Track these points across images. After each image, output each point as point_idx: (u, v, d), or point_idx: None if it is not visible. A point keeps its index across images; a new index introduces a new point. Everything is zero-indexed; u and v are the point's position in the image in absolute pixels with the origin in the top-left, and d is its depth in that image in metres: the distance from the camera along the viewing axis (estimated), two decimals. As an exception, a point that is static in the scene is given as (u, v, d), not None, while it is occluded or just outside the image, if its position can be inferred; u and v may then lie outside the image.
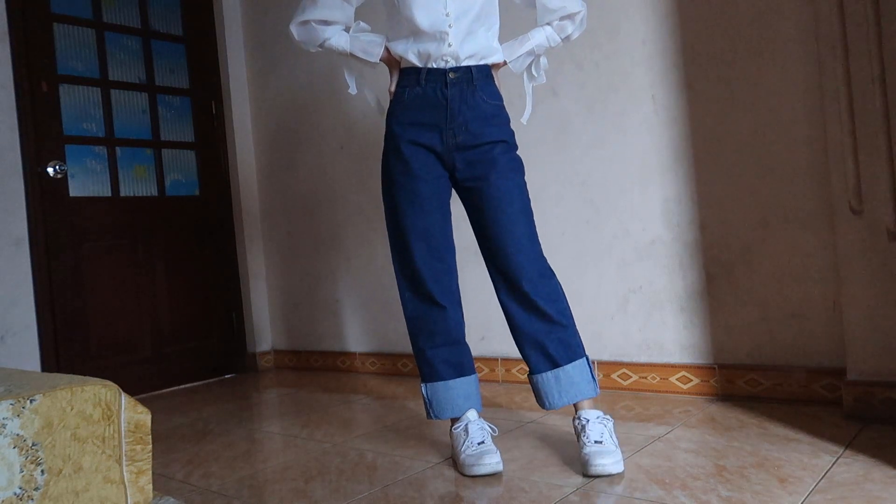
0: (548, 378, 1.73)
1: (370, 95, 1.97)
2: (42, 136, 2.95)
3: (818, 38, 1.85)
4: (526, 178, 1.79)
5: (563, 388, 1.72)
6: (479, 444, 1.71)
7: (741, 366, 2.14)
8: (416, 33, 1.74)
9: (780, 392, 2.06)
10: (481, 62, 1.76)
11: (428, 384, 1.83)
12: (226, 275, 3.60)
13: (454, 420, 1.82)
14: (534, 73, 1.90)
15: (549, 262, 1.77)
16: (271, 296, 3.69)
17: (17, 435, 1.03)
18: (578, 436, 1.68)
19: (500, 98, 1.80)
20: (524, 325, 1.74)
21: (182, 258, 3.41)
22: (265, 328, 3.69)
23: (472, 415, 1.80)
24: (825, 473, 1.46)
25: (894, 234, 1.72)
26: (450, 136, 1.74)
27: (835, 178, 1.82)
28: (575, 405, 1.73)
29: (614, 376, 2.40)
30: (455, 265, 1.84)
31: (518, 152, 1.80)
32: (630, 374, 2.37)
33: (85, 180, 3.10)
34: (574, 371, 1.72)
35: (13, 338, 2.78)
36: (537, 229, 1.78)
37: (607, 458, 1.58)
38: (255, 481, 1.80)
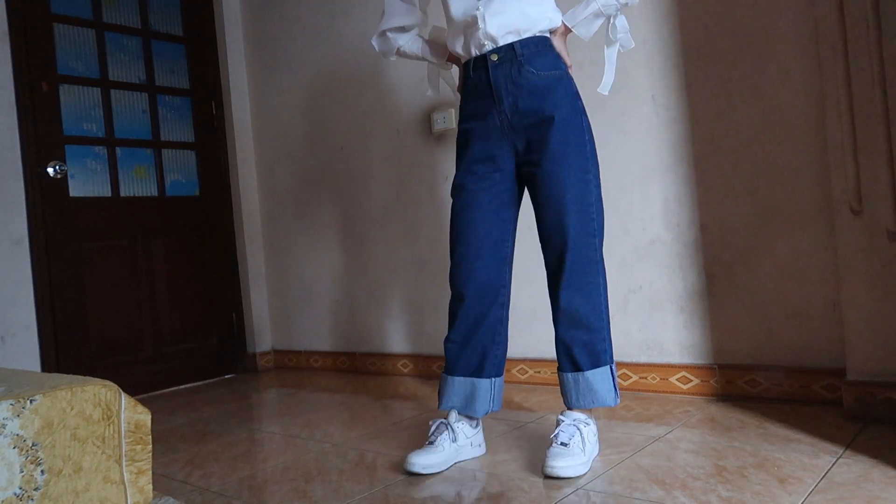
0: (568, 379, 1.73)
1: (456, 99, 1.95)
2: (42, 137, 2.94)
3: (818, 39, 1.85)
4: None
5: (582, 392, 1.71)
6: (428, 443, 1.74)
7: (741, 366, 2.14)
8: (454, 25, 1.77)
9: (780, 392, 2.06)
10: (526, 35, 1.69)
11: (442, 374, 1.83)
12: (226, 275, 3.60)
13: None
14: (611, 36, 1.76)
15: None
16: (271, 296, 3.69)
17: (17, 435, 1.03)
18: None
19: (558, 67, 1.70)
20: (555, 322, 1.74)
21: (182, 258, 3.41)
22: (265, 328, 3.69)
23: (452, 414, 1.80)
24: (825, 474, 1.46)
25: (894, 235, 1.72)
26: (504, 121, 1.71)
27: (835, 178, 1.82)
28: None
29: (614, 376, 2.40)
30: (500, 263, 1.80)
31: (588, 124, 1.71)
32: (630, 374, 2.37)
33: (85, 180, 3.10)
34: (594, 378, 1.70)
35: (13, 338, 2.78)
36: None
37: (562, 460, 1.57)
38: (255, 481, 1.80)
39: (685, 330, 2.26)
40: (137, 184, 3.29)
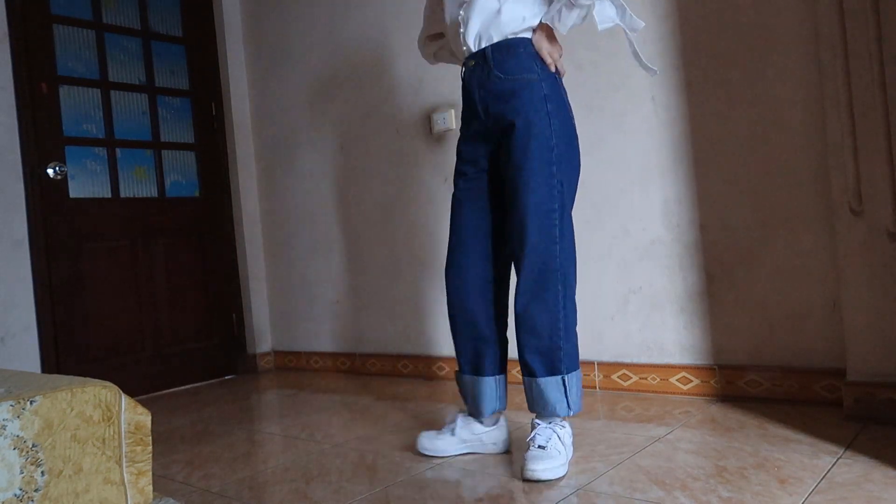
0: (525, 383, 1.74)
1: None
2: (42, 138, 2.95)
3: (818, 39, 1.85)
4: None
5: (535, 398, 1.71)
6: (438, 430, 1.86)
7: (741, 366, 2.14)
8: (447, 30, 1.84)
9: (781, 393, 2.06)
10: (498, 39, 1.68)
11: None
12: (226, 276, 3.60)
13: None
14: (599, 27, 1.66)
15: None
16: (271, 297, 3.69)
17: (18, 436, 1.03)
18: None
19: (530, 70, 1.66)
20: (515, 327, 1.73)
21: (182, 259, 3.41)
22: (265, 329, 3.69)
23: (461, 415, 1.87)
24: (825, 474, 1.46)
25: (894, 235, 1.72)
26: (482, 125, 1.75)
27: (834, 178, 1.82)
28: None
29: (614, 377, 2.39)
30: (485, 261, 1.79)
31: (559, 126, 1.66)
32: (630, 374, 2.37)
33: (85, 181, 3.10)
34: (547, 386, 1.67)
35: (13, 339, 2.78)
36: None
37: (541, 463, 1.57)
38: (255, 482, 1.80)
39: (685, 330, 2.26)
40: (137, 185, 3.29)
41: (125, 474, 1.15)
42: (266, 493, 1.71)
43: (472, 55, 1.72)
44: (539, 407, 1.71)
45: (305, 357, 3.52)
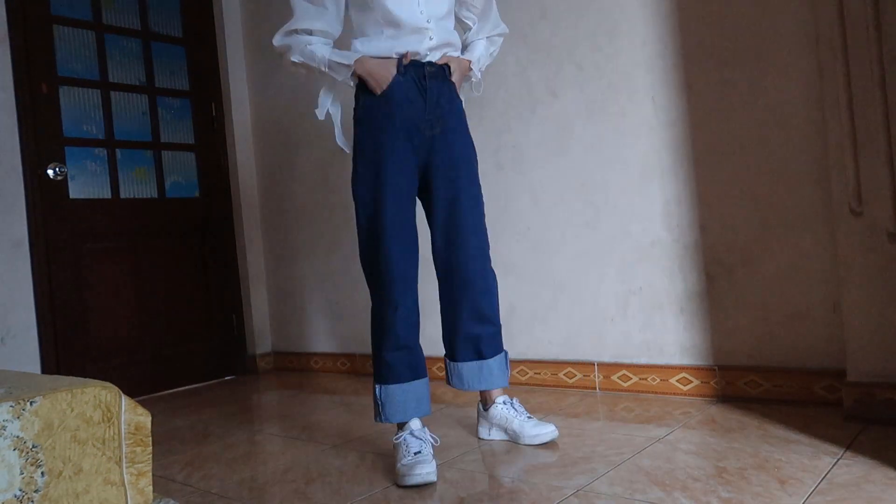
0: (471, 367, 1.94)
1: (335, 113, 1.98)
2: (42, 138, 2.95)
3: (818, 40, 1.85)
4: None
5: (484, 376, 1.94)
6: (415, 453, 1.70)
7: (741, 367, 2.14)
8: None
9: (781, 393, 2.06)
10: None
11: (383, 386, 1.81)
12: (226, 277, 3.60)
13: (399, 427, 1.82)
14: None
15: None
16: (271, 298, 3.69)
17: (18, 437, 1.03)
18: (504, 417, 1.92)
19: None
20: (463, 317, 1.91)
21: (182, 260, 3.41)
22: (265, 330, 3.69)
23: (414, 423, 1.80)
24: (825, 475, 1.46)
25: (894, 236, 1.72)
26: (427, 129, 1.81)
27: (835, 179, 1.82)
28: (488, 393, 1.96)
29: (614, 378, 2.39)
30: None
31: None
32: (630, 375, 2.36)
33: (85, 182, 3.10)
34: (495, 364, 1.94)
35: (13, 339, 2.78)
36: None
37: (542, 427, 1.87)
38: (255, 483, 1.80)
39: (685, 331, 2.26)
40: (137, 185, 3.29)
41: (125, 475, 1.15)
42: (266, 493, 1.71)
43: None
44: (487, 383, 1.96)
45: (305, 358, 3.52)
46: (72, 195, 3.04)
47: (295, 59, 1.82)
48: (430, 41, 1.79)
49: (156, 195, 3.35)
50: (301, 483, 1.75)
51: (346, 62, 1.78)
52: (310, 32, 1.82)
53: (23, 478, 1.03)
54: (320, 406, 2.65)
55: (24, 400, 1.05)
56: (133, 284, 3.21)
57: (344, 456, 1.95)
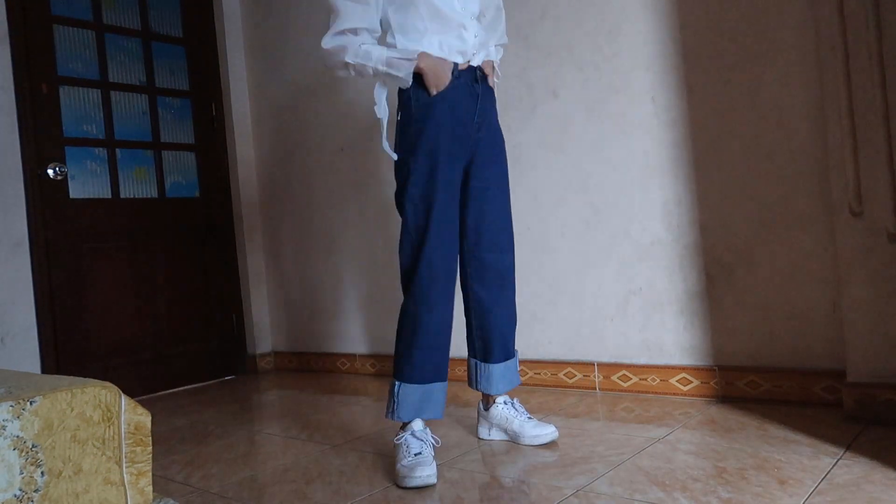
0: (500, 368, 1.96)
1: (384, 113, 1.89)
2: (42, 138, 2.95)
3: (818, 40, 1.85)
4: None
5: (509, 377, 1.98)
6: (415, 455, 1.69)
7: (741, 367, 2.14)
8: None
9: (781, 394, 2.06)
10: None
11: (403, 383, 1.78)
12: (226, 276, 3.60)
13: (402, 427, 1.81)
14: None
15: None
16: (271, 297, 3.69)
17: (17, 437, 1.03)
18: (504, 417, 1.93)
19: None
20: (498, 315, 1.92)
21: (182, 260, 3.41)
22: (265, 330, 3.69)
23: (416, 424, 1.79)
24: (825, 475, 1.46)
25: (894, 236, 1.72)
26: (474, 131, 1.84)
27: (835, 179, 1.82)
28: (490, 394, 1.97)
29: (614, 378, 2.39)
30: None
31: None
32: (630, 375, 2.36)
33: (85, 182, 3.10)
34: (515, 362, 2.01)
35: (13, 339, 2.78)
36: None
37: (543, 428, 1.88)
38: (255, 483, 1.80)
39: (685, 331, 2.26)
40: (137, 185, 3.29)
41: (125, 475, 1.15)
42: (266, 493, 1.71)
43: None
44: (510, 385, 2.00)
45: (305, 358, 3.52)
46: (72, 195, 3.04)
47: (349, 59, 1.76)
48: (475, 38, 1.81)
49: (156, 195, 3.35)
50: (301, 483, 1.75)
51: (408, 57, 1.73)
52: (355, 31, 1.78)
53: (23, 477, 1.03)
54: (320, 406, 2.65)
55: (23, 400, 1.05)
56: (133, 284, 3.21)
57: (344, 456, 1.95)
